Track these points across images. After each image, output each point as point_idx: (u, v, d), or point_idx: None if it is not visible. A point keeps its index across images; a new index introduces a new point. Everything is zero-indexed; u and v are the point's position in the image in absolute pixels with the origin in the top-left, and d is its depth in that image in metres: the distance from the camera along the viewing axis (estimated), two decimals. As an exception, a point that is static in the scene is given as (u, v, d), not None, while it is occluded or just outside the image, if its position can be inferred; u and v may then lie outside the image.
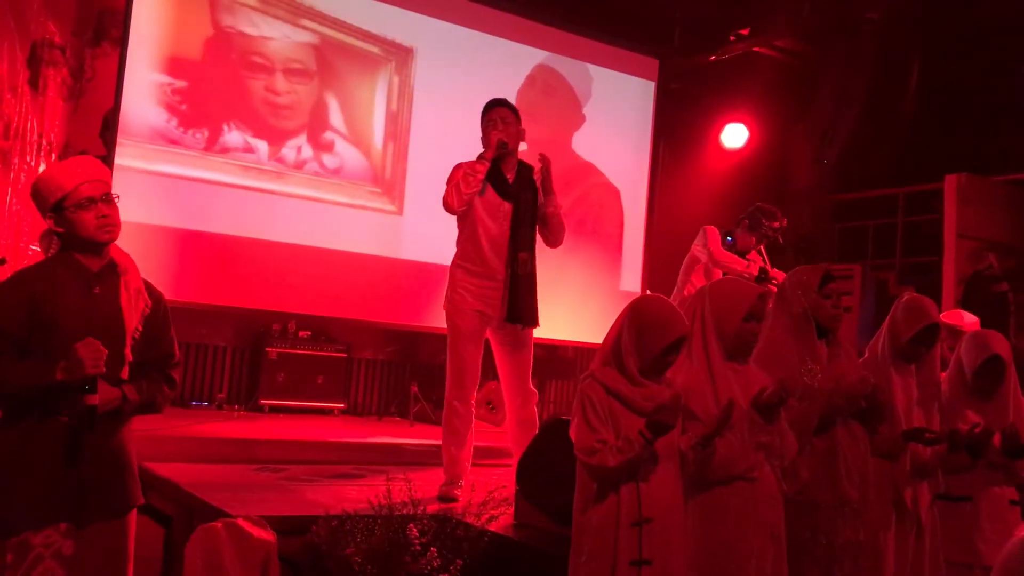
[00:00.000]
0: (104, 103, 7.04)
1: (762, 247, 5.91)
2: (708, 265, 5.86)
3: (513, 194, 4.37)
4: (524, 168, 4.47)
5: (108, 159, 6.43)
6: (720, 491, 2.75)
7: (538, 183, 4.41)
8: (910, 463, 3.31)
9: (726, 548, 2.72)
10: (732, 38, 8.54)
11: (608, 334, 2.76)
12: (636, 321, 2.69)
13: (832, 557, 3.00)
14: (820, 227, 9.40)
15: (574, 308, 7.86)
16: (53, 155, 7.15)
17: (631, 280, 8.47)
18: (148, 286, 2.70)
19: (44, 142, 7.14)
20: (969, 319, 4.55)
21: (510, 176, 4.40)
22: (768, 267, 5.81)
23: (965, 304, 6.85)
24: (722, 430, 2.66)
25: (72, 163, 2.67)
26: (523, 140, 4.44)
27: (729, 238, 5.80)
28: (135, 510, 2.71)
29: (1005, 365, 3.46)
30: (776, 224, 5.77)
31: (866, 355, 3.50)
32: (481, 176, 4.29)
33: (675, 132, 9.08)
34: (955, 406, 3.52)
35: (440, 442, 4.48)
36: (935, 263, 7.91)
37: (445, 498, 4.19)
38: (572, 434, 2.66)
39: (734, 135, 8.83)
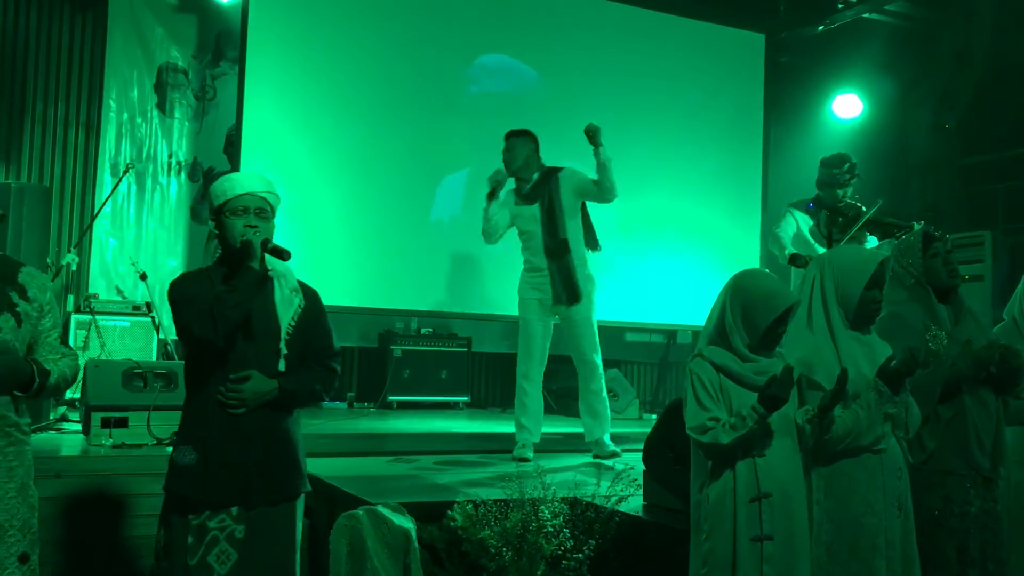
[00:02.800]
0: (226, 120, 7.39)
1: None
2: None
3: (534, 196, 5.05)
4: (543, 173, 5.09)
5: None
6: (846, 463, 2.69)
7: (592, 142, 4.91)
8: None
9: (854, 522, 2.66)
10: (841, 5, 8.30)
11: (711, 313, 2.72)
12: (740, 297, 2.64)
13: (967, 528, 2.91)
14: (947, 194, 9.04)
15: (697, 291, 7.82)
16: (182, 173, 7.55)
17: (751, 261, 8.35)
18: (303, 286, 2.87)
19: (174, 161, 7.55)
20: None
21: (527, 186, 5.09)
22: (853, 208, 5.68)
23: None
24: (837, 401, 2.59)
25: (243, 175, 2.88)
26: (506, 176, 5.10)
27: (810, 205, 5.75)
28: (302, 497, 2.86)
29: None
30: (846, 164, 5.72)
31: (1004, 320, 3.40)
32: (489, 211, 5.06)
33: (787, 107, 8.90)
34: None
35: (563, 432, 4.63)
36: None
37: (518, 460, 4.84)
38: (685, 414, 2.65)
39: (848, 106, 8.59)
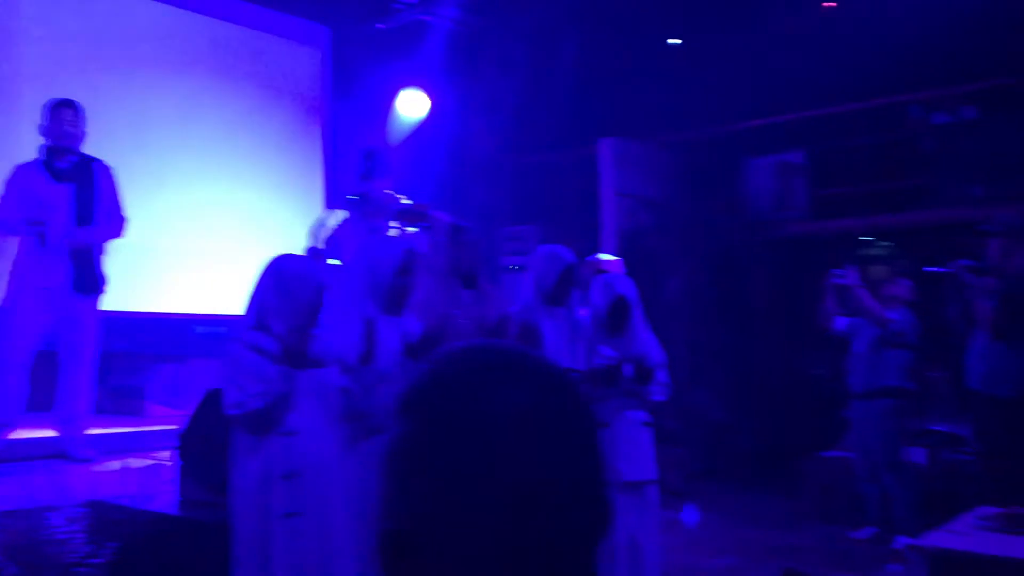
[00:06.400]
0: None
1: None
2: None
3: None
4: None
5: None
6: (382, 440, 2.83)
7: None
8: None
9: None
10: (397, 6, 8.63)
11: (250, 299, 2.77)
12: (282, 281, 2.72)
13: None
14: (501, 192, 9.82)
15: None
16: None
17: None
18: None
19: None
20: (611, 258, 4.96)
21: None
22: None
23: (624, 256, 7.46)
24: (370, 352, 2.73)
25: None
26: None
27: (357, 197, 5.83)
28: None
29: (629, 304, 3.83)
30: (367, 157, 5.69)
31: (518, 306, 3.74)
32: None
33: (352, 103, 9.06)
34: (592, 343, 3.85)
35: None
36: (597, 221, 8.56)
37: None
38: (223, 398, 2.66)
39: (411, 105, 8.92)
